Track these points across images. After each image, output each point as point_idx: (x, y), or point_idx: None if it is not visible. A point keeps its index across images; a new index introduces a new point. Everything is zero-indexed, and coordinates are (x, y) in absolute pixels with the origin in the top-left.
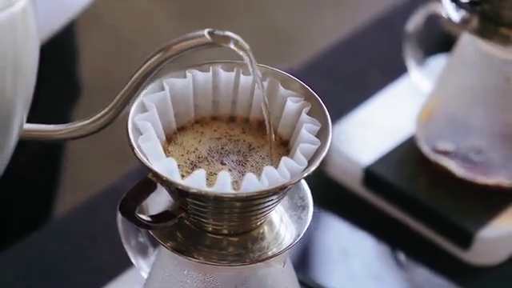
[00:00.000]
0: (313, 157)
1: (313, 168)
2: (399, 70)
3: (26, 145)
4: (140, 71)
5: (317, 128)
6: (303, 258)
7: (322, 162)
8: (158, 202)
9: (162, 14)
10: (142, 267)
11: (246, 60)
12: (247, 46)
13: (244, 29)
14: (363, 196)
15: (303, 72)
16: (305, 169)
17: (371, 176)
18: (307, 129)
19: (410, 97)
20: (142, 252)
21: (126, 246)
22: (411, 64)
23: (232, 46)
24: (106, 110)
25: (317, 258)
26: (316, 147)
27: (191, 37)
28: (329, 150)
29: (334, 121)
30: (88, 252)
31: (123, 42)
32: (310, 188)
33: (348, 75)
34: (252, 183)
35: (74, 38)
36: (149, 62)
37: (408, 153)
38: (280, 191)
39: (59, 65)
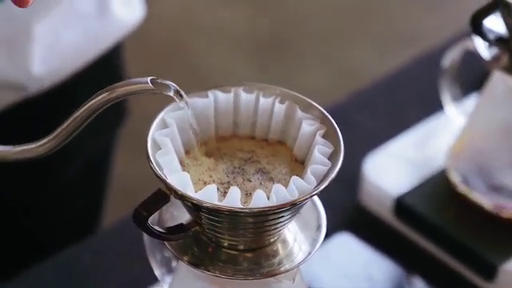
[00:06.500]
0: (323, 177)
1: (321, 188)
2: (438, 106)
3: (72, 160)
4: (84, 108)
5: (329, 150)
6: (329, 283)
7: (357, 191)
8: (177, 217)
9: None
10: (165, 280)
11: (184, 108)
12: (185, 96)
13: (317, 68)
14: (394, 225)
15: (345, 105)
16: (313, 188)
17: (402, 206)
18: (319, 150)
19: (444, 131)
20: (166, 266)
21: (150, 260)
22: (446, 99)
23: (171, 94)
24: (49, 138)
25: (343, 284)
26: (326, 168)
27: (135, 82)
28: (362, 180)
29: (368, 152)
30: (119, 267)
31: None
32: (342, 215)
33: (388, 109)
34: (261, 199)
35: (122, 59)
36: (93, 101)
37: (439, 185)
38: (290, 208)
39: (106, 86)
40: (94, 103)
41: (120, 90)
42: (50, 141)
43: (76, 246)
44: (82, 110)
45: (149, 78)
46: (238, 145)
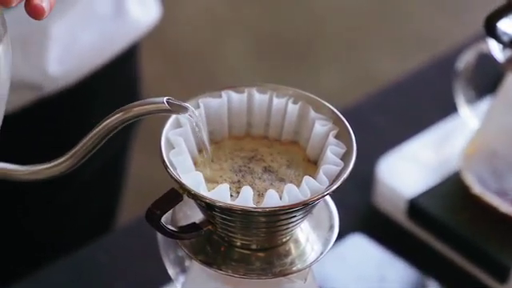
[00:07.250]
0: (336, 177)
1: (333, 188)
2: (453, 108)
3: (88, 162)
4: (99, 128)
5: (342, 151)
6: (342, 284)
7: (370, 192)
8: (190, 216)
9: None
10: (178, 279)
11: (197, 128)
12: (199, 117)
13: (333, 70)
14: (407, 227)
15: (360, 106)
16: (325, 188)
17: (415, 208)
18: (332, 151)
19: (458, 133)
20: (180, 265)
21: (164, 259)
22: (461, 101)
23: (187, 115)
24: (66, 157)
25: (356, 285)
26: (339, 169)
27: (151, 102)
28: (376, 181)
29: (382, 153)
30: (133, 266)
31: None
32: (356, 216)
33: (402, 111)
34: (273, 199)
35: (137, 59)
36: (108, 120)
37: (452, 187)
38: (302, 208)
39: (121, 86)
40: (109, 123)
41: (136, 109)
42: (65, 161)
43: (90, 245)
44: (98, 129)
45: (165, 99)
46: (239, 145)
